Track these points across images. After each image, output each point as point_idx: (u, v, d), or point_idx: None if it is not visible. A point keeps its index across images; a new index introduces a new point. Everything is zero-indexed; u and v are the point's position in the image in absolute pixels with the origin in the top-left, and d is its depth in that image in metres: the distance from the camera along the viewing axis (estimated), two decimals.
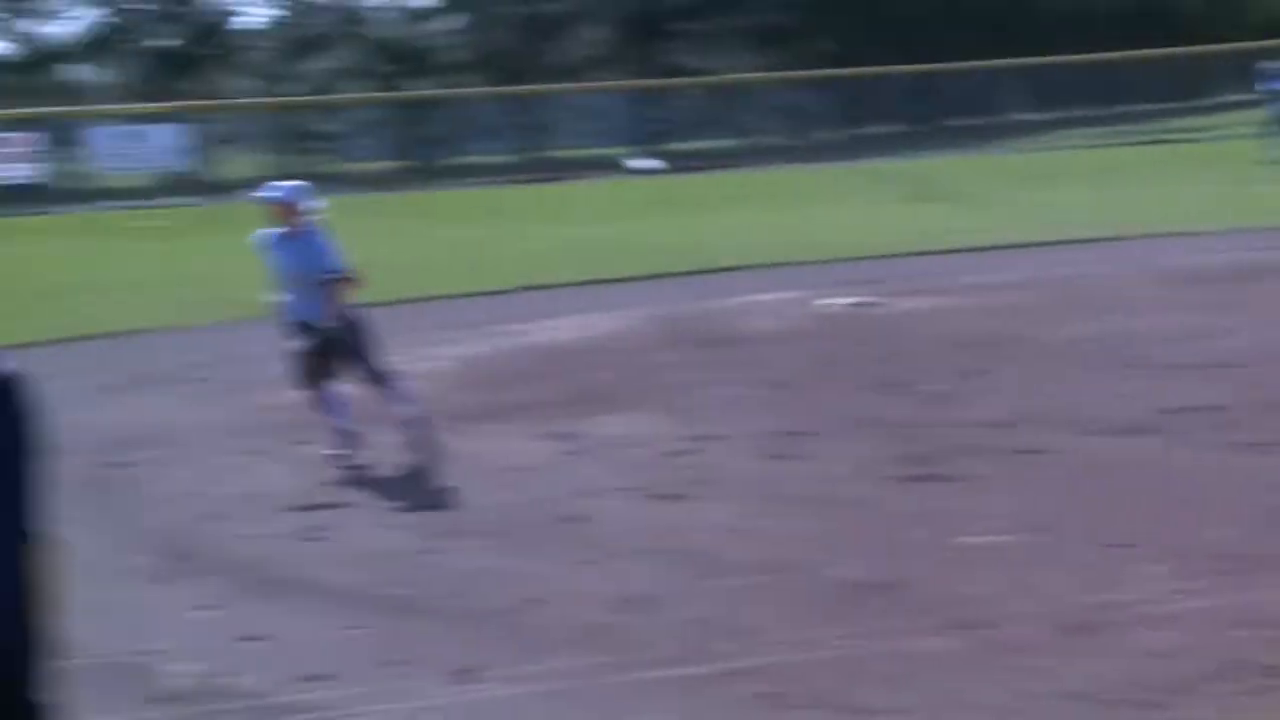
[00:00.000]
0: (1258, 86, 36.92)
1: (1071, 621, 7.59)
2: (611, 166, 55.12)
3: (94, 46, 67.76)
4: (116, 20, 67.56)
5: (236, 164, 61.41)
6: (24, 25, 68.84)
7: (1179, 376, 13.69)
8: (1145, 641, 7.34)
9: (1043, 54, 62.05)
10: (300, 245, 12.05)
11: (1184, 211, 27.09)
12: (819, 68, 66.57)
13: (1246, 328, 15.46)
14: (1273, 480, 9.75)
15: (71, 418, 11.76)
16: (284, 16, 69.77)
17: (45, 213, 47.00)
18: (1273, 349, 14.46)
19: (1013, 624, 7.72)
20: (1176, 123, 58.79)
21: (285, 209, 12.20)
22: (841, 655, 7.38)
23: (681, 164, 55.52)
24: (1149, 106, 57.75)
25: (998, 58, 59.10)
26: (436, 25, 74.44)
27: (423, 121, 65.33)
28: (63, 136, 56.24)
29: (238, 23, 70.99)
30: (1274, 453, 10.47)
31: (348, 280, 12.23)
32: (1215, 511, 6.70)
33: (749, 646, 7.89)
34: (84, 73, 71.22)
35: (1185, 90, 69.03)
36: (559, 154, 64.08)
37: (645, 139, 64.99)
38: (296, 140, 64.76)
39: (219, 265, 28.30)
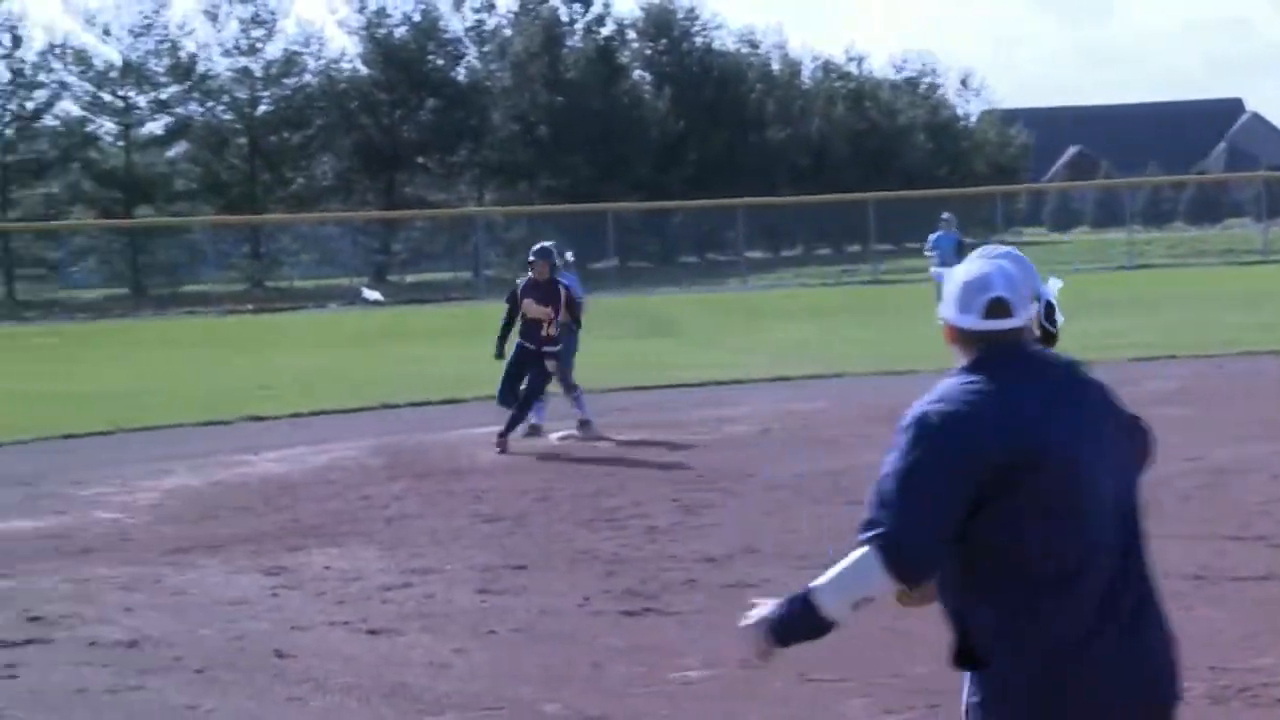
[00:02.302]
0: (927, 250, 36.55)
1: None
2: (339, 296, 54.85)
3: None
4: None
5: None
6: None
7: None
8: None
9: (771, 194, 63.23)
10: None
11: (905, 351, 27.65)
12: (551, 203, 67.17)
13: None
14: None
15: None
16: (7, 140, 68.35)
17: None
18: None
19: None
20: (899, 263, 60.21)
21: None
22: None
23: (412, 295, 55.44)
24: (874, 247, 59.05)
25: (728, 196, 60.03)
26: (164, 153, 73.59)
27: (148, 249, 64.50)
28: None
29: None
30: None
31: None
32: (923, 646, 6.77)
33: None
34: None
35: (907, 232, 70.95)
36: (287, 284, 63.72)
37: (374, 269, 64.91)
38: (17, 265, 63.57)
39: None
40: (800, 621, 4.52)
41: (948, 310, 4.68)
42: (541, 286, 18.44)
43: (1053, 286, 5.25)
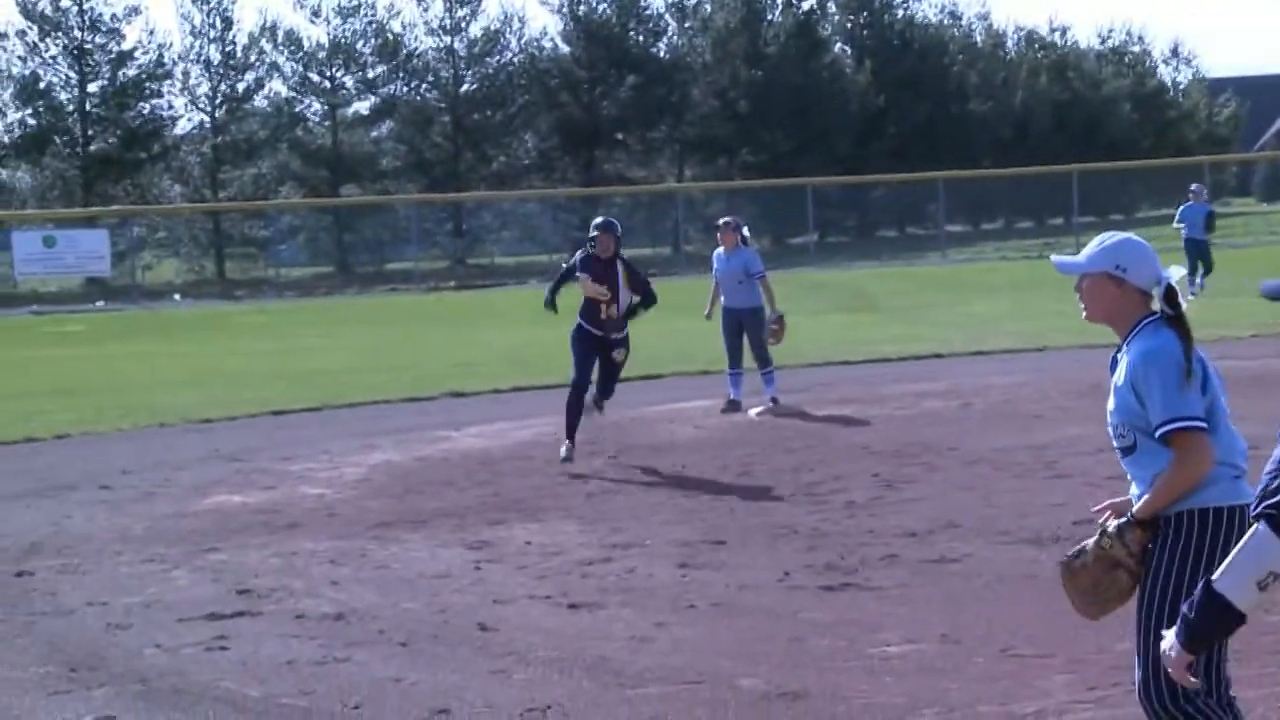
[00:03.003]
0: (1176, 223, 35.98)
1: None
2: (540, 273, 55.23)
3: (22, 147, 67.23)
4: (46, 120, 67.13)
5: (162, 269, 61.27)
6: None
7: (1095, 488, 13.74)
8: None
9: (972, 167, 62.59)
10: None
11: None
12: (751, 178, 67.02)
13: None
14: None
15: None
16: (218, 121, 69.55)
17: None
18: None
19: None
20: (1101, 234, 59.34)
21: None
22: None
23: None
24: (1077, 220, 58.26)
25: (927, 170, 59.55)
26: (370, 132, 74.42)
27: (354, 227, 65.28)
28: None
29: (172, 128, 70.60)
30: None
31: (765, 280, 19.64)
32: (1119, 622, 6.69)
33: None
34: (10, 175, 70.68)
35: (1112, 204, 69.89)
36: (489, 261, 64.20)
37: (574, 246, 65.27)
38: (227, 245, 64.70)
39: (136, 371, 28.22)
40: (1213, 618, 4.47)
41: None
42: (601, 263, 16.72)
43: (1174, 273, 5.77)
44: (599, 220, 17.34)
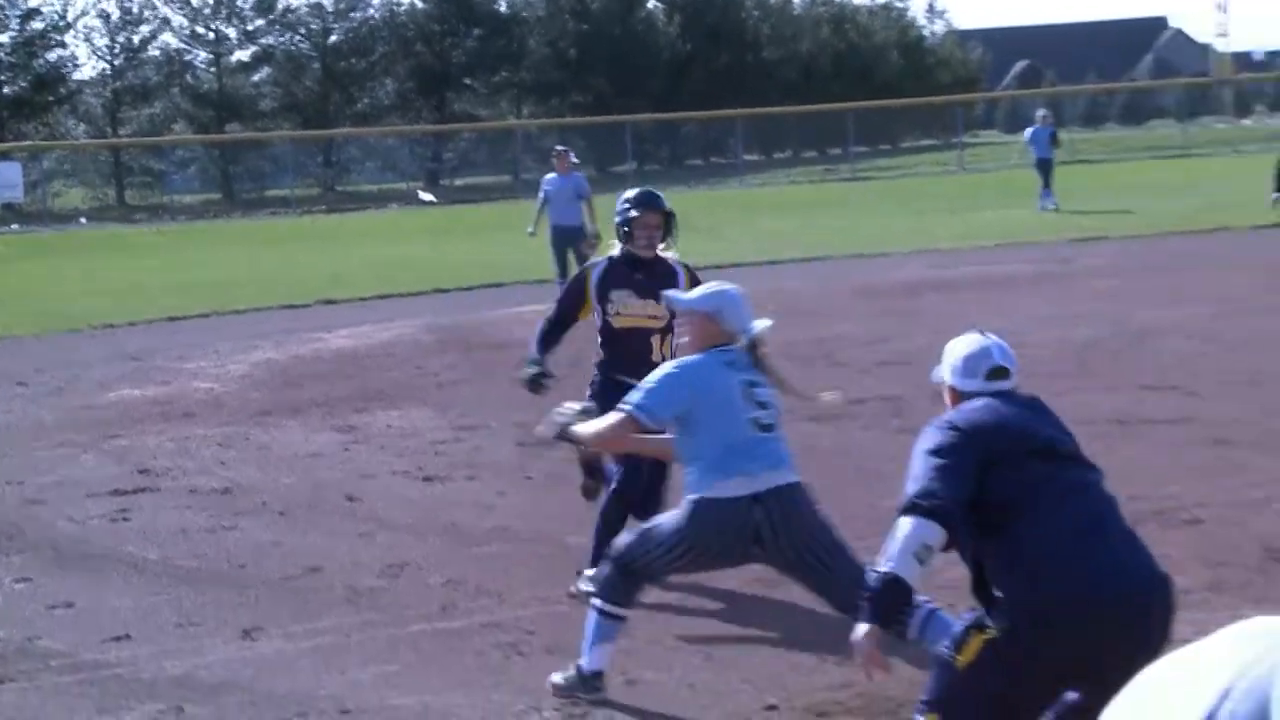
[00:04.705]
0: (1026, 144, 34.08)
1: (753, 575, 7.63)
2: (399, 199, 54.79)
3: None
4: None
5: (69, 196, 59.95)
6: None
7: (864, 374, 13.99)
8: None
9: (765, 106, 62.78)
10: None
11: (876, 237, 27.60)
12: (579, 116, 66.85)
13: (918, 332, 15.74)
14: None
15: None
16: (118, 68, 68.05)
17: None
18: (937, 349, 14.74)
19: None
20: (874, 163, 59.88)
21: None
22: (575, 610, 7.35)
23: (460, 196, 55.31)
24: (852, 149, 58.65)
25: (728, 108, 59.65)
26: (250, 78, 73.19)
27: (238, 160, 64.32)
28: None
29: (75, 73, 68.99)
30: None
31: None
32: (885, 483, 6.82)
33: (496, 604, 7.88)
34: None
35: (881, 137, 70.51)
36: (355, 188, 63.57)
37: (428, 175, 64.67)
38: (126, 175, 63.43)
39: (47, 284, 27.65)
40: (885, 595, 4.58)
41: (951, 378, 5.06)
42: (645, 268, 8.37)
43: (759, 325, 6.36)
44: (636, 193, 8.61)
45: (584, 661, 6.42)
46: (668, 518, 6.31)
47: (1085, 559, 4.52)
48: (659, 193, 8.59)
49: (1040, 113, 34.16)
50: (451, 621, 7.64)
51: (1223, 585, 7.42)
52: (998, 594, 4.62)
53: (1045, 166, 32.36)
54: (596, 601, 6.40)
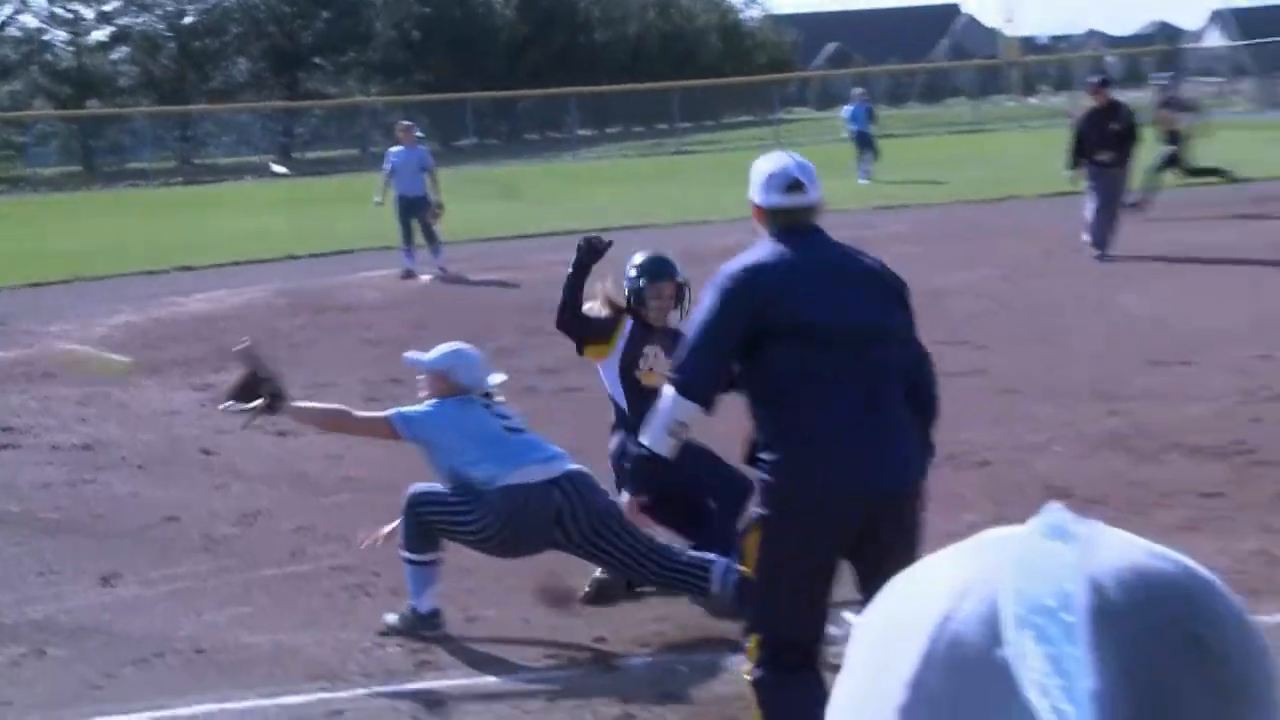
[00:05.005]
0: (846, 121, 33.53)
1: None
2: (253, 171, 53.86)
3: None
4: None
5: None
6: None
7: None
8: None
9: (597, 84, 62.73)
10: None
11: (701, 206, 27.73)
12: (423, 94, 66.31)
13: None
14: None
15: None
16: None
17: None
18: None
19: None
20: (698, 138, 60.09)
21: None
22: None
23: (311, 169, 54.54)
24: (678, 125, 58.79)
25: (562, 86, 59.49)
26: (109, 56, 71.46)
27: (97, 134, 62.83)
28: None
29: None
30: None
31: None
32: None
33: (343, 549, 7.83)
34: None
35: (705, 113, 70.77)
36: (211, 161, 62.44)
37: (281, 149, 63.72)
38: None
39: None
40: (642, 466, 4.59)
41: (755, 195, 4.75)
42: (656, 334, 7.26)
43: (494, 379, 6.70)
44: (645, 261, 7.52)
45: (416, 603, 6.43)
46: (474, 497, 6.28)
47: (829, 455, 4.35)
48: (669, 259, 7.49)
49: (857, 90, 34.28)
50: (301, 565, 7.57)
51: (1007, 520, 7.49)
52: (760, 470, 4.49)
53: (864, 140, 32.49)
54: (404, 554, 6.43)
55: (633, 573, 6.31)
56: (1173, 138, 22.19)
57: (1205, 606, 0.73)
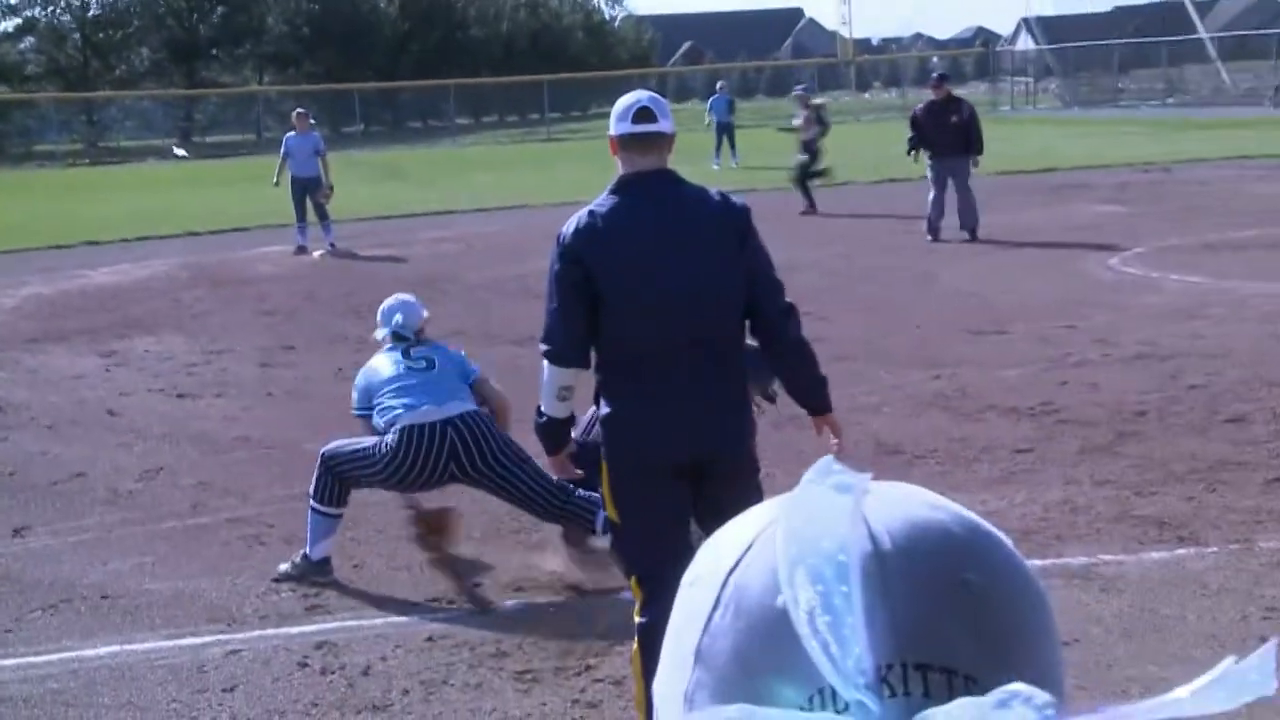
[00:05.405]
0: (708, 112, 33.09)
1: None
2: (155, 154, 52.67)
3: None
4: None
5: None
6: None
7: None
8: None
9: (474, 76, 62.24)
10: None
11: (569, 188, 27.61)
12: (313, 83, 65.30)
13: None
14: None
15: None
16: None
17: None
18: None
19: None
20: (567, 127, 59.83)
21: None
22: (307, 507, 7.22)
23: (209, 152, 53.47)
24: (548, 115, 58.49)
25: (442, 78, 58.91)
26: (16, 46, 69.42)
27: (6, 118, 61.06)
28: None
29: None
30: None
31: None
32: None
33: (240, 502, 7.69)
34: None
35: (572, 105, 70.47)
36: (116, 144, 60.96)
37: (181, 133, 62.42)
38: None
39: None
40: (544, 430, 4.49)
41: (610, 127, 4.36)
42: None
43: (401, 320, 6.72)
44: None
45: (309, 551, 6.36)
46: (378, 440, 6.24)
47: (646, 425, 4.19)
48: None
49: (720, 83, 34.20)
50: (201, 518, 7.43)
51: None
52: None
53: (725, 129, 32.44)
54: (312, 502, 6.34)
55: (528, 506, 6.25)
56: (806, 146, 22.00)
57: (978, 554, 0.72)
